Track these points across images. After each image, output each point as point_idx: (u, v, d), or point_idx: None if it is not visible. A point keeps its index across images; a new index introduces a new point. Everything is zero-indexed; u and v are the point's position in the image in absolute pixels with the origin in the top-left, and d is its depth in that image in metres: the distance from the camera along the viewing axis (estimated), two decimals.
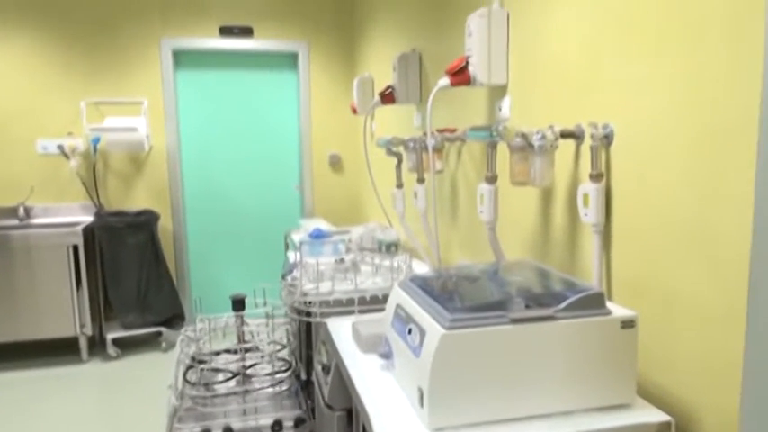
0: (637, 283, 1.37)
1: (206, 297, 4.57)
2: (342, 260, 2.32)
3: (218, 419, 2.26)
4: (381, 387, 1.33)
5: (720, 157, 1.12)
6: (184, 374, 2.36)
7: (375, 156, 3.76)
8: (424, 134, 2.46)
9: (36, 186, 4.11)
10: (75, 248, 3.67)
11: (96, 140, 4.10)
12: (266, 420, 2.26)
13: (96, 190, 4.20)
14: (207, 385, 2.36)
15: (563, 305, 1.16)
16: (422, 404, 1.13)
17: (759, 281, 0.84)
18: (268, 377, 2.42)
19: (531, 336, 1.13)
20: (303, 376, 2.52)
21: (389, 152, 2.70)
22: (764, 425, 0.85)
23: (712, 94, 1.13)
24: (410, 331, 1.23)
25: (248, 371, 2.43)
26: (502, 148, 1.96)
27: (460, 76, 1.95)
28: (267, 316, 2.49)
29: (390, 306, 1.40)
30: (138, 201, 4.28)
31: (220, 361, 2.45)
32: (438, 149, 2.45)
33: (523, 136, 1.56)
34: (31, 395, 3.31)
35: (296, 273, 2.25)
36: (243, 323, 2.44)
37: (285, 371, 2.45)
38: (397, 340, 1.30)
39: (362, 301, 2.10)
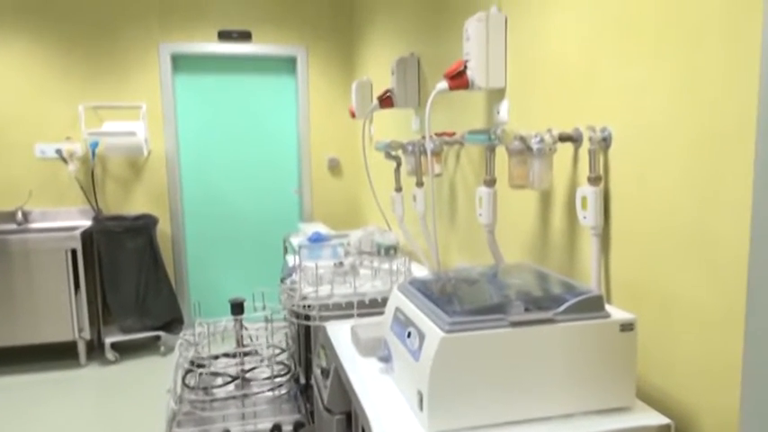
0: (636, 286, 1.37)
1: (205, 301, 4.57)
2: (341, 264, 2.32)
3: (216, 423, 2.26)
4: (381, 391, 1.33)
5: (719, 160, 1.12)
6: (183, 378, 2.36)
7: (374, 159, 3.77)
8: (423, 137, 2.46)
9: (34, 190, 4.11)
10: (74, 253, 3.67)
11: (95, 145, 4.10)
12: (265, 424, 2.26)
13: (95, 194, 4.19)
14: (206, 389, 2.36)
15: (562, 308, 1.16)
16: (421, 408, 1.13)
17: (757, 284, 0.84)
18: (267, 381, 2.42)
19: (530, 339, 1.13)
20: (302, 380, 2.51)
21: (388, 156, 2.70)
22: (764, 427, 0.85)
23: (711, 97, 1.13)
24: (409, 335, 1.23)
25: (247, 375, 2.43)
26: (500, 152, 1.97)
27: (459, 79, 1.95)
28: (266, 320, 2.49)
29: (389, 309, 1.40)
30: (136, 205, 4.28)
31: (219, 365, 2.45)
32: (437, 153, 2.46)
33: (522, 139, 1.56)
34: (29, 399, 3.30)
35: (295, 276, 2.25)
36: (242, 327, 2.44)
37: (284, 375, 2.45)
38: (397, 344, 1.30)
39: (361, 304, 2.10)
